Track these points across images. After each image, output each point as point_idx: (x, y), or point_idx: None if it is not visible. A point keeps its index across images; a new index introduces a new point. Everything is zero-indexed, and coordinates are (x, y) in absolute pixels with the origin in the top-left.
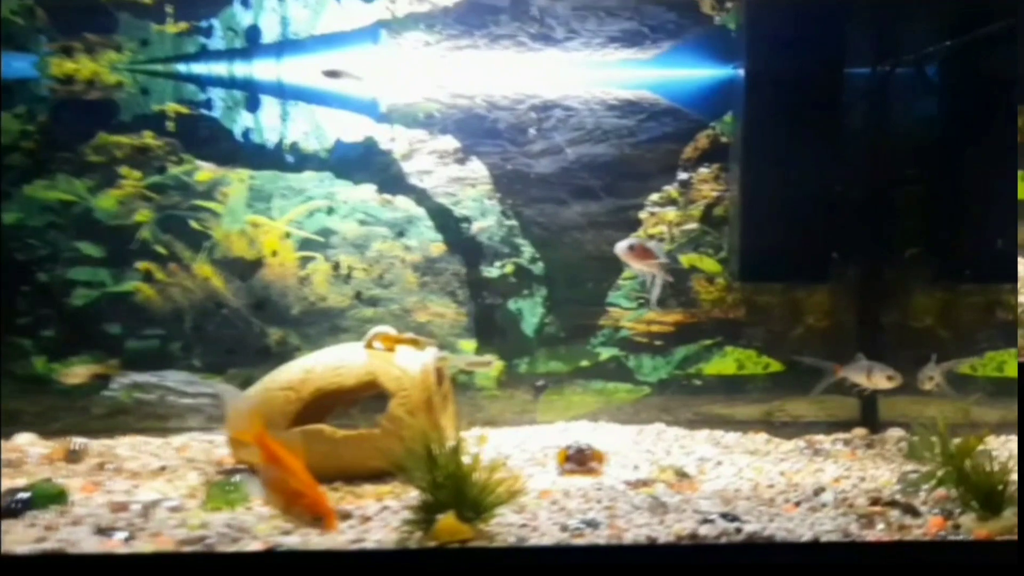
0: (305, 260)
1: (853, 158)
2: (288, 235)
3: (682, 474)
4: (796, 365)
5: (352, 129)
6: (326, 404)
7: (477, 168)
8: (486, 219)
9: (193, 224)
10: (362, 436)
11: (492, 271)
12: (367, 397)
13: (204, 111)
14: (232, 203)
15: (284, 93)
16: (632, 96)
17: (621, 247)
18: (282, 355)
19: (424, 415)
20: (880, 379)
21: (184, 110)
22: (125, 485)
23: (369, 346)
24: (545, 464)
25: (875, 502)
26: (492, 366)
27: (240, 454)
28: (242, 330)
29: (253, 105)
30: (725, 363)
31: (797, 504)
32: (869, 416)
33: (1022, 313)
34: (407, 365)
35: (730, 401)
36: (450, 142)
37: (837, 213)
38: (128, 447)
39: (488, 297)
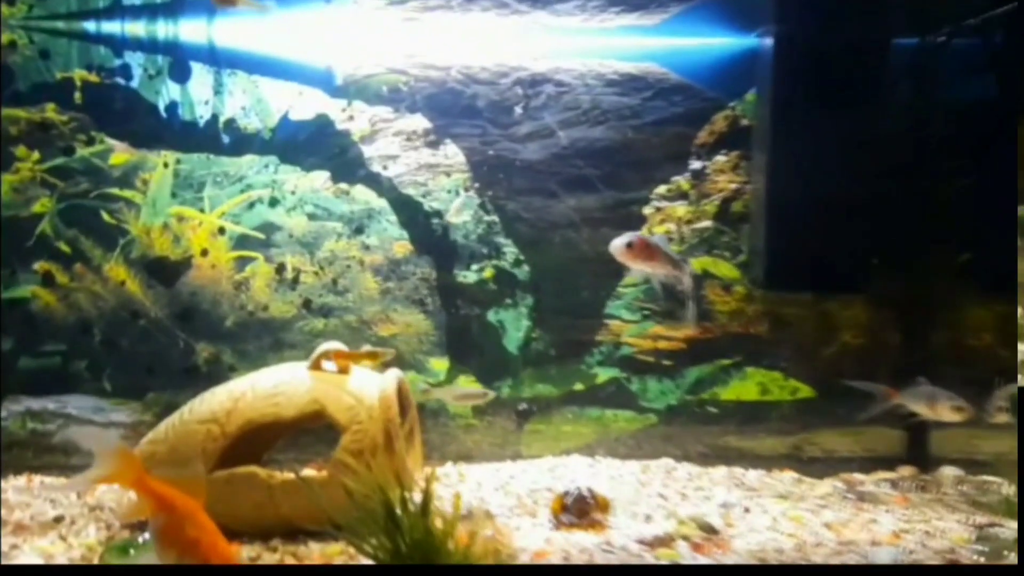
0: (242, 261)
1: (900, 144)
2: (222, 231)
3: (707, 528)
4: (829, 390)
5: (301, 104)
6: (262, 439)
7: (452, 153)
8: (462, 214)
9: (105, 217)
10: (305, 482)
11: (469, 276)
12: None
13: (119, 80)
14: (154, 192)
15: (218, 59)
16: (636, 69)
17: (617, 245)
18: (213, 376)
19: (384, 456)
20: (945, 410)
21: (94, 79)
22: (4, 544)
23: (316, 367)
24: (535, 513)
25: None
26: (488, 398)
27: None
28: (164, 346)
29: (180, 74)
30: (745, 387)
31: None
32: (918, 451)
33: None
34: (363, 391)
35: (751, 432)
36: (419, 122)
37: (879, 211)
38: (19, 491)
39: (463, 307)
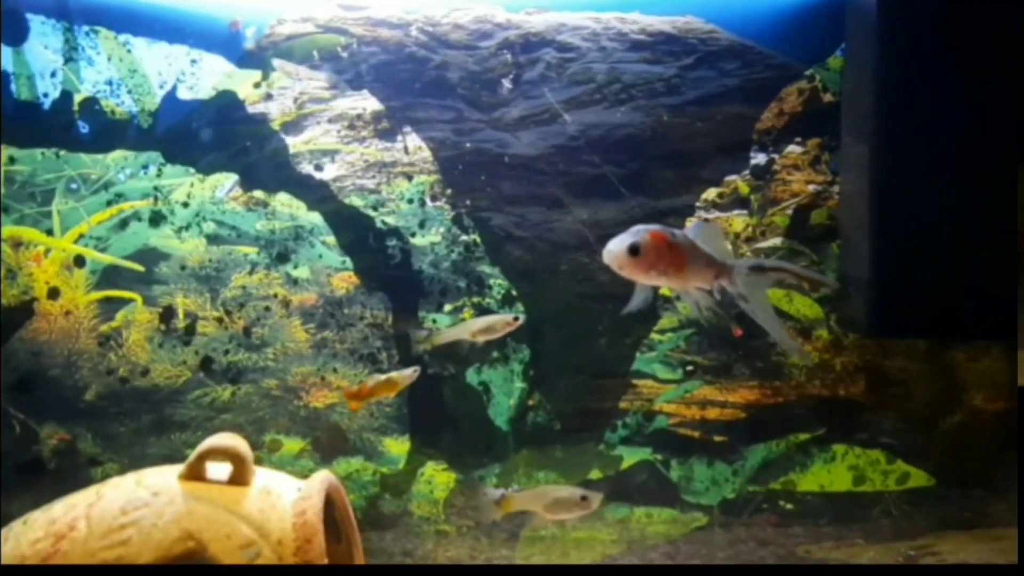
0: (111, 305)
1: None
2: (80, 261)
3: None
4: (953, 475)
5: (196, 77)
6: None
7: (412, 146)
8: (428, 232)
9: None
10: None
11: (439, 320)
12: None
13: None
14: None
15: (70, 10)
16: (671, 26)
17: (616, 249)
18: (65, 474)
19: None
20: None
21: None
22: None
23: (194, 475)
24: None
25: None
26: (595, 506)
27: None
28: None
29: (12, 31)
30: (833, 472)
31: None
32: None
33: None
34: (268, 515)
35: (843, 536)
36: (366, 102)
37: None
38: None
39: (432, 364)
